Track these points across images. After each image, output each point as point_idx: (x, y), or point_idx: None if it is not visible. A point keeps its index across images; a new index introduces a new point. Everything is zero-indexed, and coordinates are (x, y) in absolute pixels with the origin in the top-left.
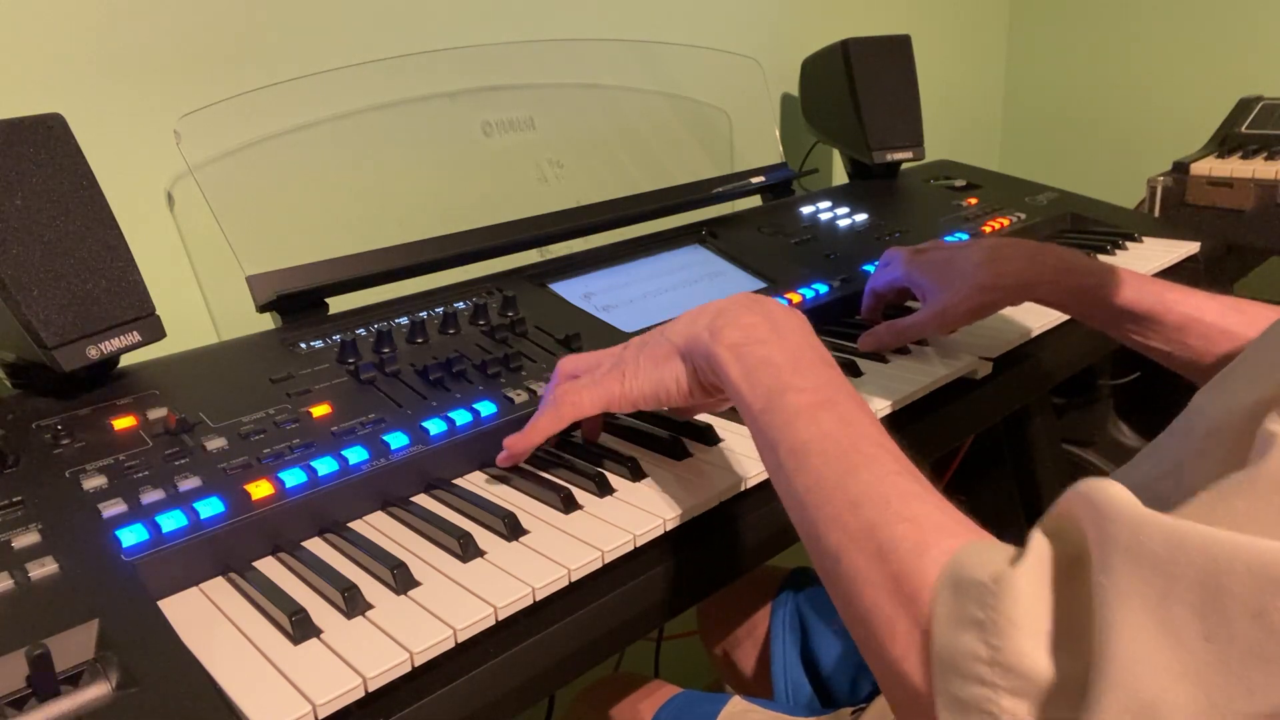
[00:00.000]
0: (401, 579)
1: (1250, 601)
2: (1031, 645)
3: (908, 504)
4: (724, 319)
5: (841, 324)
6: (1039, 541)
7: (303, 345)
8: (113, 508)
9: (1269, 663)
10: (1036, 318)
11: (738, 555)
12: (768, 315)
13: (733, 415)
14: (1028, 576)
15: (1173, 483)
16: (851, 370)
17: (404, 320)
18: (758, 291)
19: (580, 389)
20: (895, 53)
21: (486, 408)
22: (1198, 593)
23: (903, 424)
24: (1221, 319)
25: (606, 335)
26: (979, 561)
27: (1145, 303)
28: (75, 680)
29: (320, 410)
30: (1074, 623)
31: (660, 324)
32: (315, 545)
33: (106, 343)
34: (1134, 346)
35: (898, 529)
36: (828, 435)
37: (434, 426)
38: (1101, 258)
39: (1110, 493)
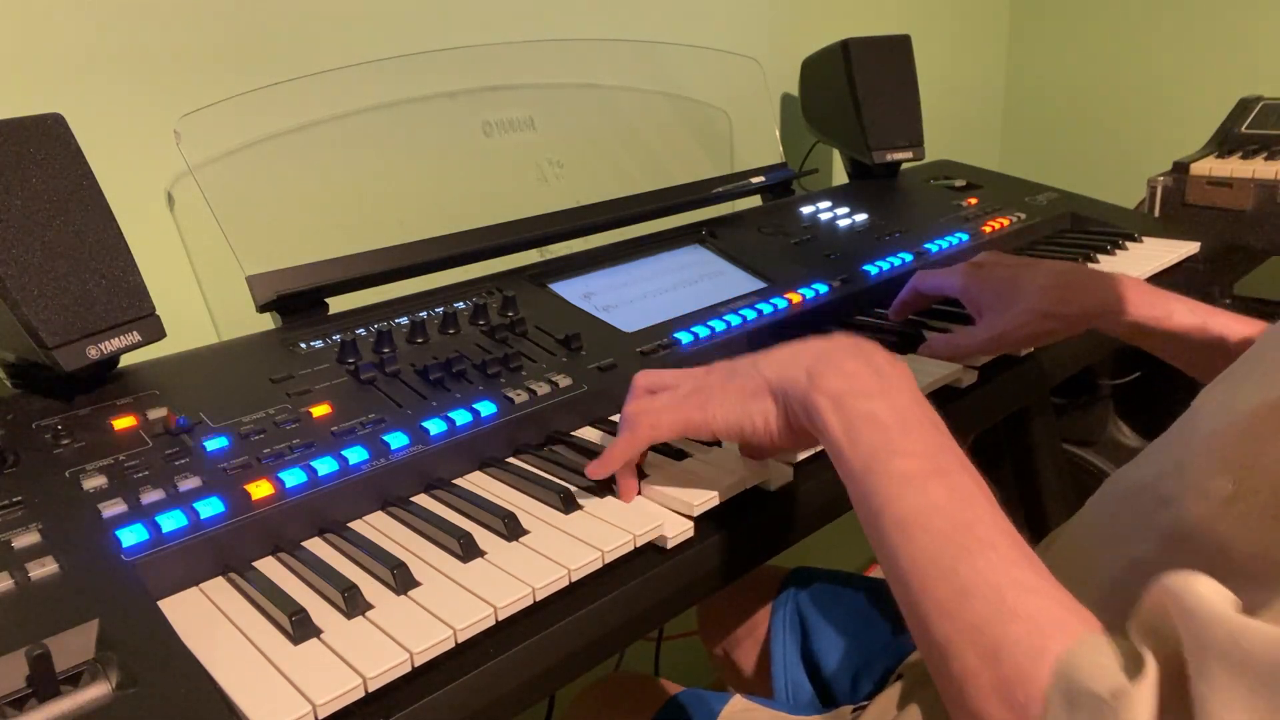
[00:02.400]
0: (401, 579)
1: None
2: None
3: (1024, 599)
4: (826, 364)
5: (840, 324)
6: (1146, 652)
7: (303, 345)
8: (113, 508)
9: None
10: None
11: (738, 555)
12: (873, 364)
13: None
14: (1146, 693)
15: (1175, 483)
16: None
17: (404, 320)
18: (757, 291)
19: (659, 410)
20: (895, 53)
21: (486, 408)
22: None
23: None
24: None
25: (606, 335)
26: (1093, 670)
27: (1212, 333)
28: (75, 680)
29: (320, 410)
30: None
31: (662, 324)
32: (315, 545)
33: (106, 343)
34: (1194, 375)
35: (1013, 628)
36: (938, 510)
37: (434, 426)
38: (1102, 258)
39: (1199, 591)
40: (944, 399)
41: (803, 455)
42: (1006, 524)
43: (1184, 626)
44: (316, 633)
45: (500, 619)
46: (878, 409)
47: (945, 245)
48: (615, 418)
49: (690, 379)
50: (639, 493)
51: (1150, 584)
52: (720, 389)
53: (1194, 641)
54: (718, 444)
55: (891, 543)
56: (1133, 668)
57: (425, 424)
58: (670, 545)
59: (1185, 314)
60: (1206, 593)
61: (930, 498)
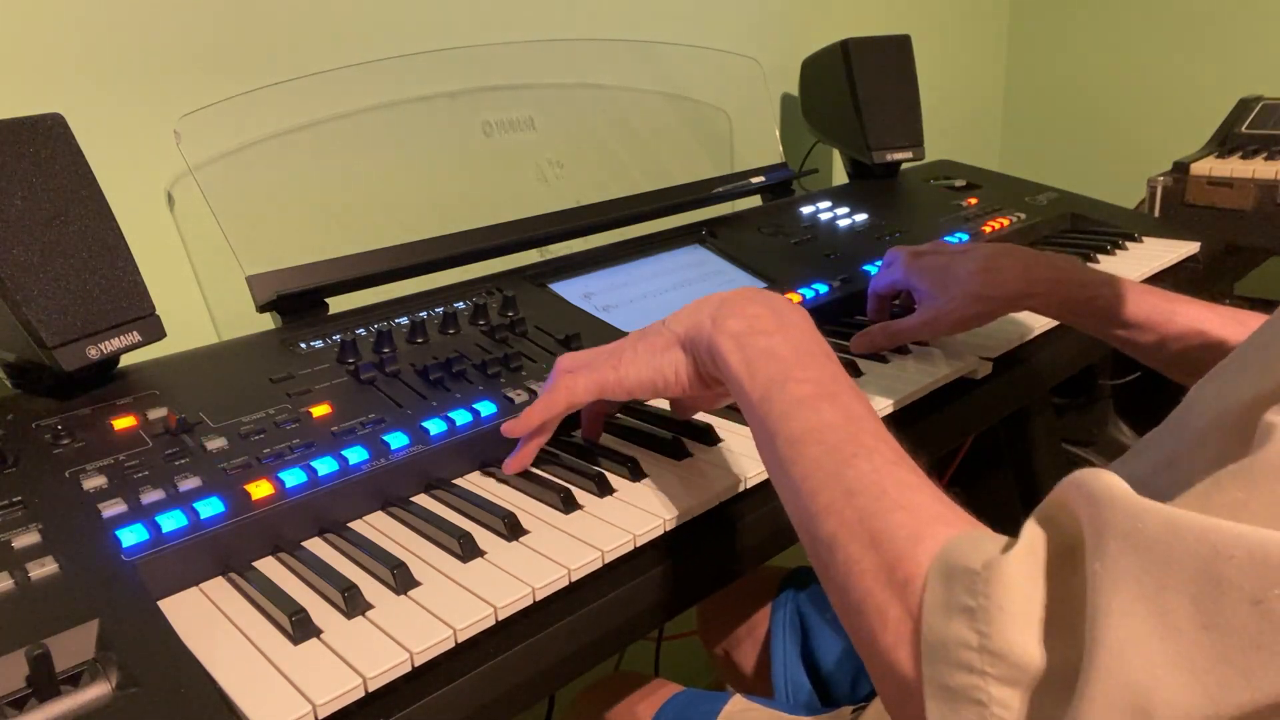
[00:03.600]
0: (401, 579)
1: (1249, 590)
2: (1022, 632)
3: (904, 493)
4: (728, 308)
5: (840, 323)
6: (1032, 529)
7: (303, 345)
8: (113, 508)
9: (1267, 652)
10: (1037, 318)
11: (737, 555)
12: (772, 307)
13: (731, 415)
14: (1020, 564)
15: (1168, 477)
16: (852, 370)
17: (404, 320)
18: None
19: (577, 377)
20: (895, 53)
21: (486, 408)
22: (1195, 581)
23: (903, 423)
24: (1222, 330)
25: (607, 335)
26: (971, 549)
27: (1142, 313)
28: (75, 680)
29: (320, 410)
30: (1067, 611)
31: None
32: (315, 545)
33: (106, 343)
34: (1131, 354)
35: (893, 517)
36: (827, 425)
37: (434, 426)
38: (1101, 258)
39: (1106, 481)
40: (947, 397)
41: (724, 403)
42: (888, 435)
43: (1086, 512)
44: (316, 633)
45: (500, 619)
46: (776, 344)
47: None
48: (616, 417)
49: (603, 350)
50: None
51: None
52: (631, 349)
53: (1094, 524)
54: (718, 443)
55: (784, 458)
56: (1009, 547)
57: (425, 424)
58: (670, 545)
59: (1111, 294)
60: (1112, 481)
61: (821, 416)
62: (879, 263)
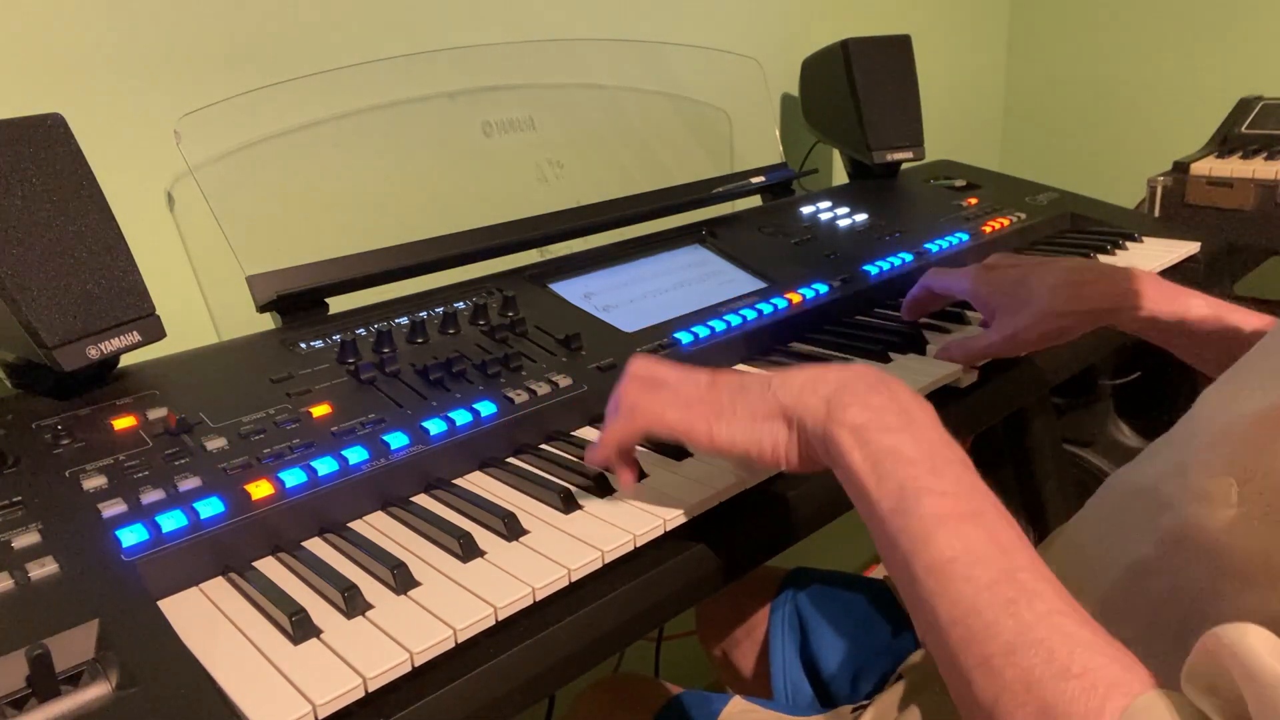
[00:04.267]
0: (401, 579)
1: None
2: None
3: (1077, 654)
4: (847, 395)
5: (841, 323)
6: (1208, 708)
7: (303, 345)
8: (113, 508)
9: None
10: None
11: (738, 555)
12: (897, 399)
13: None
14: None
15: (1179, 484)
16: None
17: (404, 320)
18: (757, 291)
19: (665, 406)
20: (895, 53)
21: (486, 408)
22: None
23: None
24: None
25: (606, 335)
26: None
27: (1227, 327)
28: (75, 680)
29: (320, 410)
30: None
31: (662, 324)
32: (315, 545)
33: (106, 343)
34: (1207, 370)
35: (1066, 687)
36: (976, 557)
37: (434, 426)
38: (1102, 258)
39: (1255, 647)
40: (944, 399)
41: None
42: (1048, 573)
43: (1244, 684)
44: (316, 633)
45: (500, 619)
46: (903, 444)
47: (945, 245)
48: None
49: (691, 383)
50: (635, 484)
51: (1202, 634)
52: (730, 405)
53: (1256, 701)
54: None
55: (926, 589)
56: None
57: (425, 424)
58: (670, 545)
59: (1201, 308)
60: (1260, 647)
61: (968, 543)
62: (879, 263)
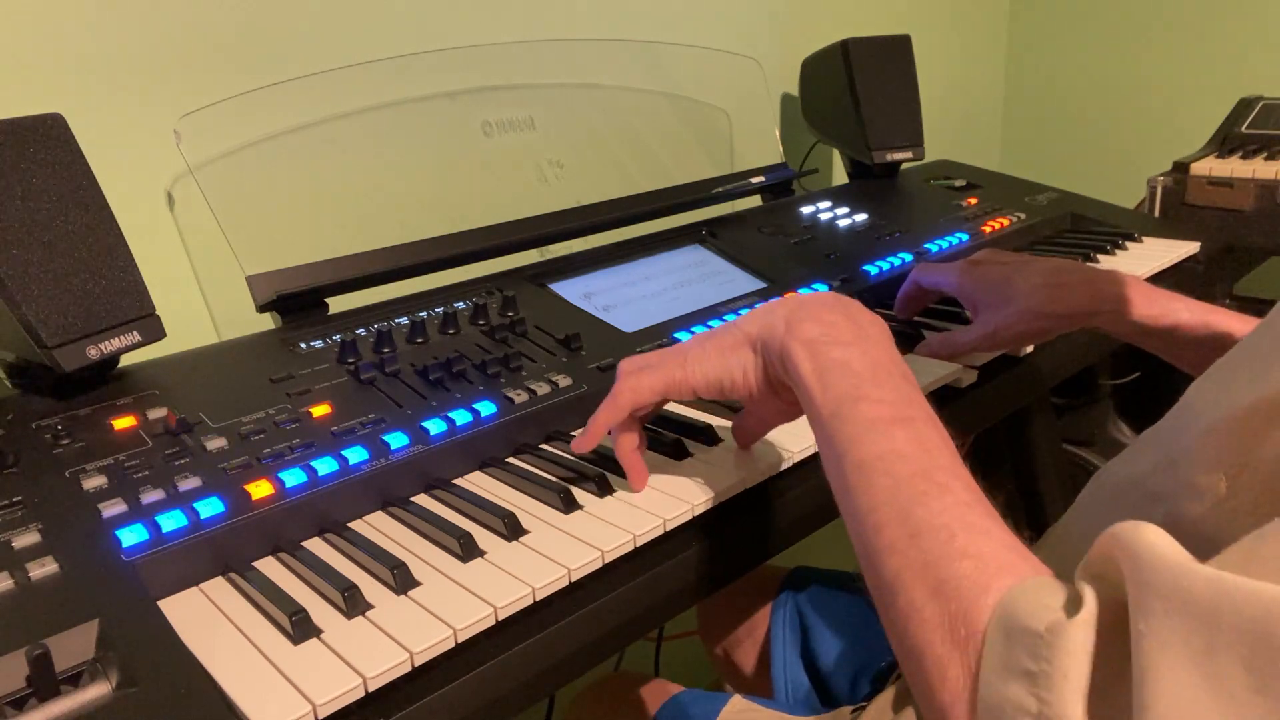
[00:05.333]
0: (401, 579)
1: None
2: (1082, 702)
3: (973, 539)
4: (804, 312)
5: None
6: (1087, 589)
7: (303, 345)
8: (113, 508)
9: None
10: None
11: (738, 555)
12: (851, 316)
13: (731, 415)
14: (1083, 629)
15: (1169, 476)
16: None
17: (404, 320)
18: (757, 291)
19: (640, 376)
20: (895, 53)
21: (486, 408)
22: (1246, 644)
23: None
24: None
25: (606, 335)
26: (1033, 606)
27: (1214, 332)
28: (75, 680)
29: (320, 410)
30: (1113, 672)
31: (662, 324)
32: (315, 545)
33: (106, 343)
34: (1196, 374)
35: (959, 565)
36: (899, 454)
37: (434, 426)
38: (1102, 258)
39: (1148, 538)
40: (944, 399)
41: (792, 418)
42: (964, 471)
43: (1129, 569)
44: (316, 633)
45: (500, 619)
46: (851, 357)
47: (945, 245)
48: None
49: (667, 349)
50: (647, 477)
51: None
52: (699, 347)
53: (1137, 582)
54: (718, 444)
55: (851, 484)
56: (1072, 606)
57: (425, 424)
58: (670, 545)
59: (1184, 313)
60: (1154, 538)
61: (893, 443)
62: (879, 263)
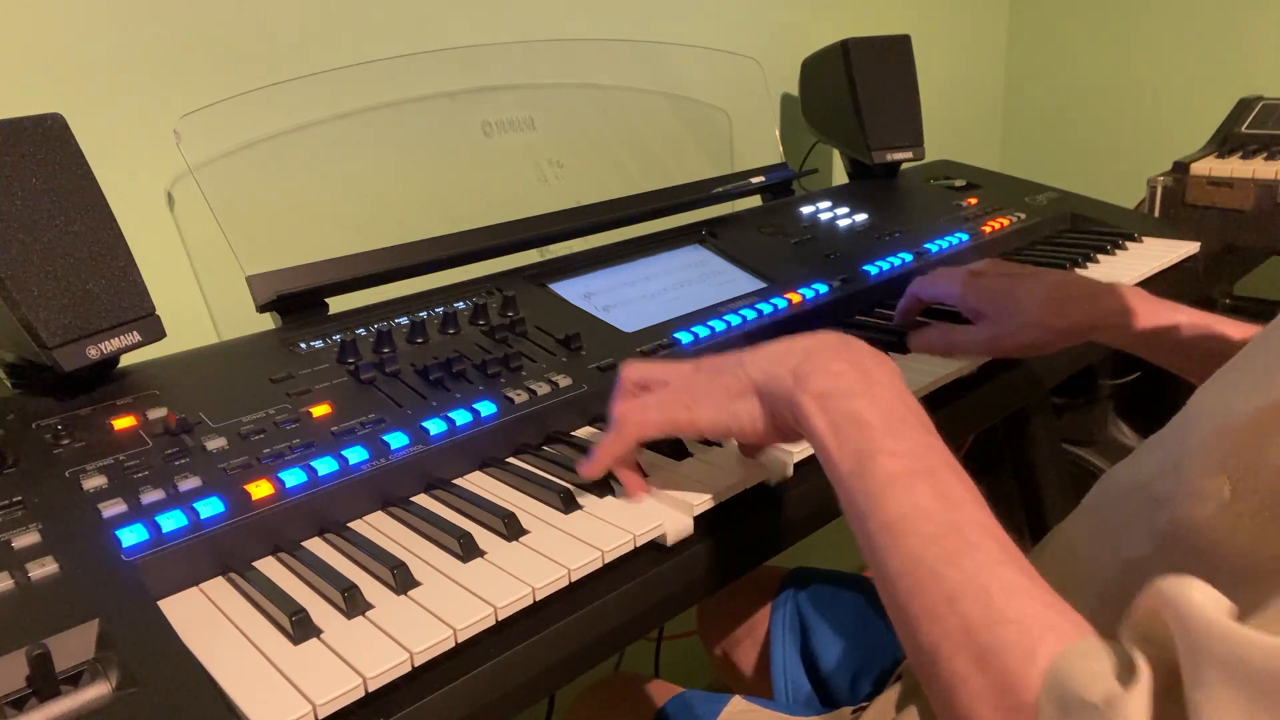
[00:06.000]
0: (401, 579)
1: None
2: None
3: (1013, 602)
4: (811, 364)
5: (841, 323)
6: (1138, 654)
7: (303, 345)
8: (113, 508)
9: None
10: None
11: (738, 555)
12: (858, 364)
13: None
14: (1140, 701)
15: (1174, 482)
16: None
17: (404, 320)
18: (757, 291)
19: (646, 409)
20: (895, 53)
21: (486, 408)
22: None
23: None
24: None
25: (606, 335)
26: (1085, 676)
27: (1214, 342)
28: (75, 680)
29: (320, 410)
30: None
31: (662, 324)
32: (315, 545)
33: (106, 343)
34: (1198, 383)
35: (1003, 632)
36: (924, 513)
37: (434, 426)
38: (1101, 258)
39: (1196, 599)
40: (944, 399)
41: (799, 448)
42: (995, 525)
43: (1179, 634)
44: (316, 633)
45: (500, 619)
46: (863, 408)
47: (945, 245)
48: None
49: (678, 374)
50: (645, 489)
51: (1143, 587)
52: (706, 388)
53: (1189, 649)
54: (718, 443)
55: (879, 545)
56: (1126, 674)
57: (425, 424)
58: (670, 545)
59: (1187, 324)
60: (1201, 599)
61: (917, 499)
62: (880, 263)
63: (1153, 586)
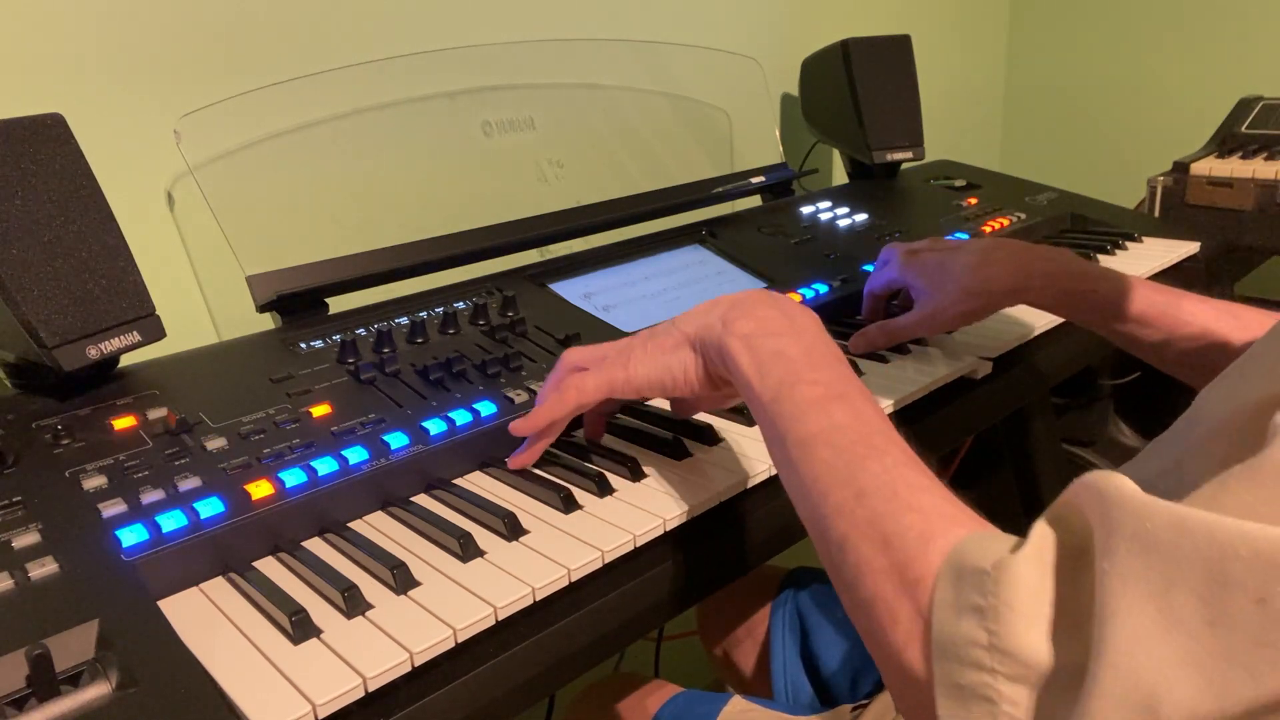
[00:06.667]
0: (401, 579)
1: (1254, 588)
2: (1031, 631)
3: (915, 495)
4: (738, 310)
5: (841, 323)
6: (1042, 529)
7: (303, 345)
8: (113, 508)
9: (1273, 649)
10: (1037, 317)
11: (738, 555)
12: (782, 309)
13: (731, 415)
14: (1029, 563)
15: (1174, 479)
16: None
17: (404, 320)
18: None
19: (586, 376)
20: (895, 53)
21: (486, 408)
22: (1201, 579)
23: (904, 423)
24: (1216, 323)
25: (607, 335)
26: (981, 549)
27: (1137, 306)
28: (75, 680)
29: (320, 410)
30: (1075, 610)
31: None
32: (315, 545)
33: (106, 343)
34: (1124, 347)
35: (904, 519)
36: (837, 427)
37: (434, 426)
38: (1101, 258)
39: (1116, 481)
40: (945, 398)
41: (729, 404)
42: (898, 437)
43: (1096, 511)
44: (316, 633)
45: (500, 619)
46: (786, 346)
47: None
48: (617, 418)
49: (614, 348)
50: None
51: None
52: (641, 348)
53: (1102, 523)
54: (718, 443)
55: (794, 459)
56: (1018, 547)
57: (425, 424)
58: (670, 545)
59: (1111, 288)
60: (1121, 482)
61: (831, 418)
62: (876, 264)
63: (1080, 479)
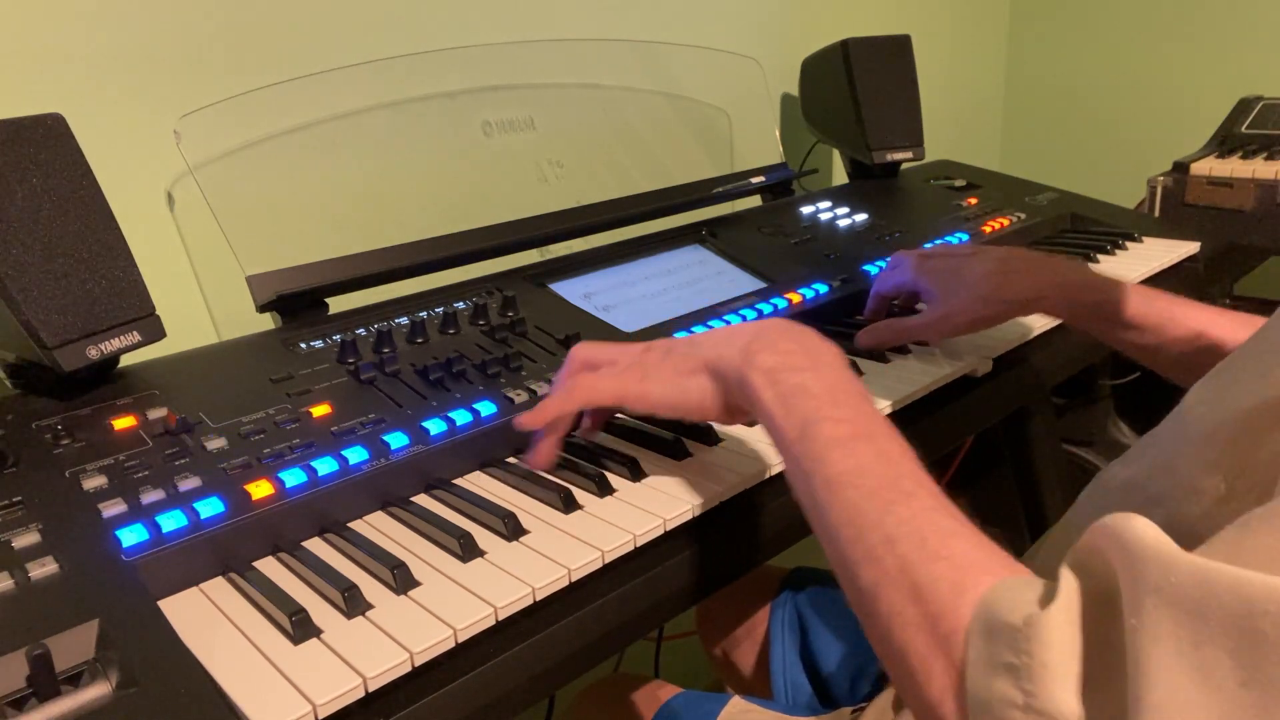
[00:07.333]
0: (401, 579)
1: None
2: (1065, 690)
3: (945, 541)
4: (760, 343)
5: (841, 323)
6: (1068, 579)
7: (303, 345)
8: (113, 508)
9: None
10: (1037, 317)
11: (738, 555)
12: (803, 343)
13: None
14: (1059, 618)
15: (1168, 480)
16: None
17: (404, 320)
18: (757, 291)
19: (599, 378)
20: (895, 53)
21: (486, 408)
22: (1232, 636)
23: (903, 423)
24: (1223, 333)
25: (606, 335)
26: (1010, 603)
27: (1146, 315)
28: (75, 680)
29: (320, 410)
30: (1106, 665)
31: (661, 324)
32: (315, 545)
33: (106, 343)
34: (1124, 351)
35: (935, 568)
36: (864, 469)
37: (434, 426)
38: (1101, 258)
39: (1137, 530)
40: (945, 398)
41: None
42: (928, 479)
43: (1120, 562)
44: (316, 633)
45: (500, 619)
46: (808, 381)
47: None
48: (617, 417)
49: (628, 355)
50: (548, 467)
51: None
52: (658, 365)
53: (1129, 577)
54: (719, 443)
55: (822, 501)
56: (1047, 599)
57: (425, 424)
58: (670, 545)
59: (1116, 297)
60: (1143, 530)
61: (858, 459)
62: (880, 263)
63: (1099, 522)
